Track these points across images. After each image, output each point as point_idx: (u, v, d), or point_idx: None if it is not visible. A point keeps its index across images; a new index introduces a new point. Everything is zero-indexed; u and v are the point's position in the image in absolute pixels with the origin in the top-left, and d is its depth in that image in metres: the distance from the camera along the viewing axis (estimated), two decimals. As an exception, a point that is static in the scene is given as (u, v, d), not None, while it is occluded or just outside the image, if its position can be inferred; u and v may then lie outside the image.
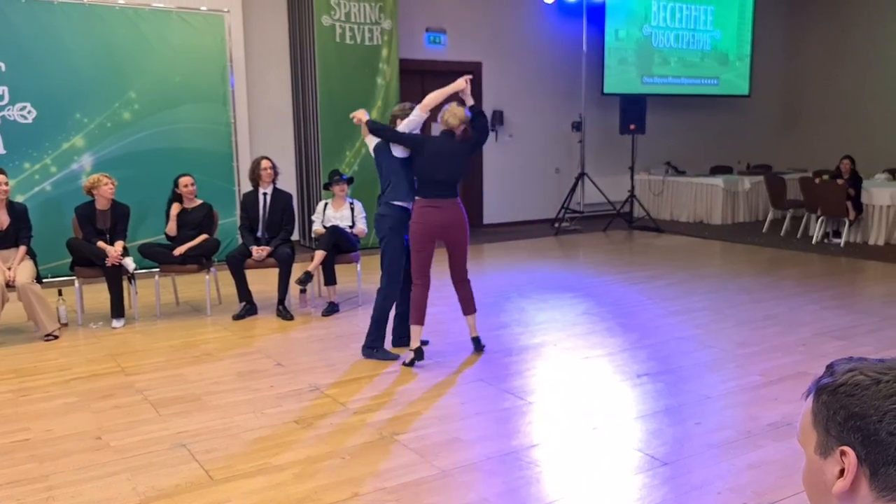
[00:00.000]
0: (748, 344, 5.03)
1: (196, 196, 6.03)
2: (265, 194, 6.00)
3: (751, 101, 13.03)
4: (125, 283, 5.74)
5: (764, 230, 10.20)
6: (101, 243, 5.56)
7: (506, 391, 4.18)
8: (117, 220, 5.73)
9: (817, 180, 9.35)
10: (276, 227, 5.98)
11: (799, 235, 9.63)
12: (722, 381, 4.29)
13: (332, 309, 5.98)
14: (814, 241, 9.22)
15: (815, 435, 1.00)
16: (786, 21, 13.50)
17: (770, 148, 13.48)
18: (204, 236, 5.93)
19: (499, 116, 10.74)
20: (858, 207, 9.04)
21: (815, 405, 1.00)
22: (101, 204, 5.67)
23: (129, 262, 5.63)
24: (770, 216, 10.48)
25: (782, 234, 9.81)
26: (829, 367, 1.02)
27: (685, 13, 11.89)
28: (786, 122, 13.79)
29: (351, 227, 6.15)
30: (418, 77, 10.23)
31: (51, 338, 5.26)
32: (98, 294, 6.16)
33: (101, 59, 7.21)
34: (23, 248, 5.34)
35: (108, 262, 5.51)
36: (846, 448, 0.95)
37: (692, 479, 3.10)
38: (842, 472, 0.95)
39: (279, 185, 6.12)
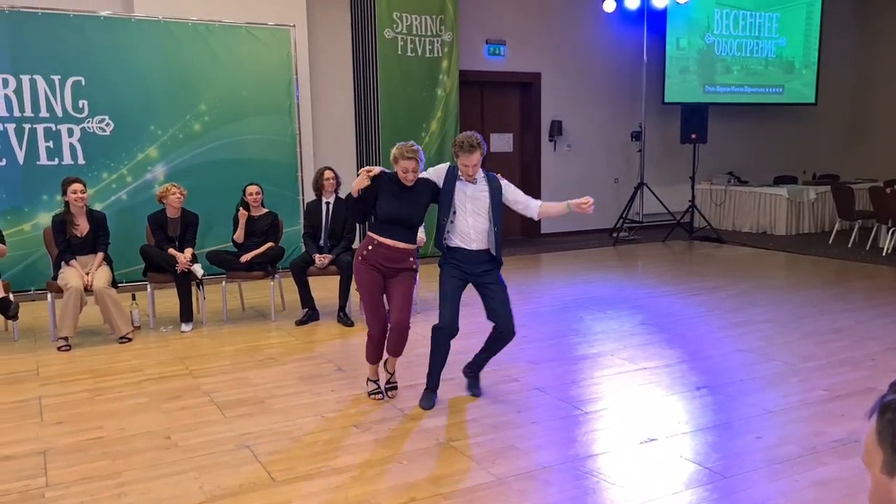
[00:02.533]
0: (813, 357, 4.91)
1: (262, 205, 6.23)
2: (328, 203, 6.15)
3: (817, 110, 12.68)
4: (194, 289, 5.96)
5: (830, 241, 9.91)
6: (171, 250, 5.79)
7: (562, 400, 4.19)
8: (187, 228, 5.95)
9: (888, 190, 9.04)
10: (338, 235, 6.12)
11: (868, 247, 9.32)
12: (785, 396, 4.21)
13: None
14: (884, 252, 8.92)
15: (881, 454, 0.98)
16: (855, 27, 13.10)
17: (837, 157, 13.08)
18: (269, 244, 6.11)
19: (557, 127, 10.73)
20: (933, 219, 8.72)
21: (880, 423, 0.98)
22: (171, 212, 5.90)
23: (198, 269, 5.84)
24: (837, 227, 10.17)
25: (850, 245, 9.51)
26: (894, 384, 1.01)
27: (749, 21, 11.67)
28: (855, 130, 13.36)
29: (410, 236, 6.23)
30: (478, 88, 10.32)
31: (125, 340, 5.50)
32: (168, 299, 6.40)
33: (174, 74, 7.50)
34: (100, 255, 5.60)
35: (178, 269, 5.73)
36: None
37: (752, 495, 3.06)
38: None
39: (341, 195, 6.26)
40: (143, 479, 3.25)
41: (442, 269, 4.15)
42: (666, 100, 11.13)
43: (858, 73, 13.21)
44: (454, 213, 4.06)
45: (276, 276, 6.26)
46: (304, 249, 6.25)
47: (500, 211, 4.10)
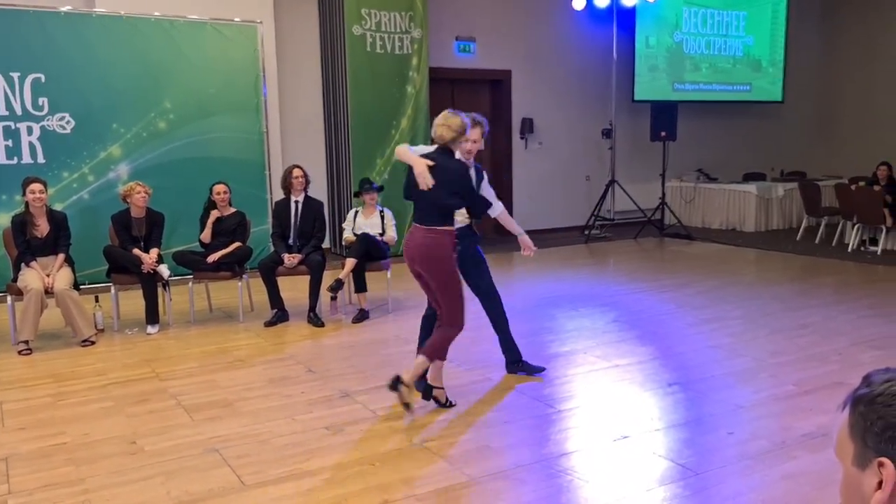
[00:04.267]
0: (782, 353, 4.96)
1: (230, 204, 6.12)
2: (297, 202, 6.07)
3: (784, 107, 12.86)
4: (160, 290, 5.84)
5: (798, 238, 10.05)
6: (136, 251, 5.67)
7: (536, 399, 4.17)
8: (152, 228, 5.84)
9: (853, 187, 9.19)
10: (308, 234, 6.04)
11: (834, 243, 9.47)
12: (755, 391, 4.24)
13: (362, 316, 6.02)
14: (850, 248, 9.06)
15: (853, 446, 0.99)
16: (820, 25, 13.31)
17: (804, 154, 13.27)
18: (237, 244, 6.01)
19: (528, 124, 10.74)
20: (896, 214, 8.88)
21: (852, 416, 0.99)
22: (136, 212, 5.78)
23: (164, 270, 5.73)
24: (804, 223, 10.32)
25: (817, 241, 9.66)
26: (866, 377, 1.01)
27: (717, 19, 11.79)
28: (820, 128, 13.57)
29: (381, 234, 6.20)
30: (448, 85, 10.28)
31: (88, 343, 5.37)
32: (133, 300, 6.28)
33: (138, 70, 7.36)
34: (61, 256, 5.47)
35: (144, 270, 5.62)
36: (884, 459, 0.93)
37: (724, 490, 3.07)
38: (880, 483, 0.94)
39: (310, 194, 6.19)
40: (109, 486, 3.18)
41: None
42: (636, 97, 11.19)
43: (823, 72, 13.42)
44: None
45: (244, 276, 6.16)
46: (272, 249, 6.17)
47: None
